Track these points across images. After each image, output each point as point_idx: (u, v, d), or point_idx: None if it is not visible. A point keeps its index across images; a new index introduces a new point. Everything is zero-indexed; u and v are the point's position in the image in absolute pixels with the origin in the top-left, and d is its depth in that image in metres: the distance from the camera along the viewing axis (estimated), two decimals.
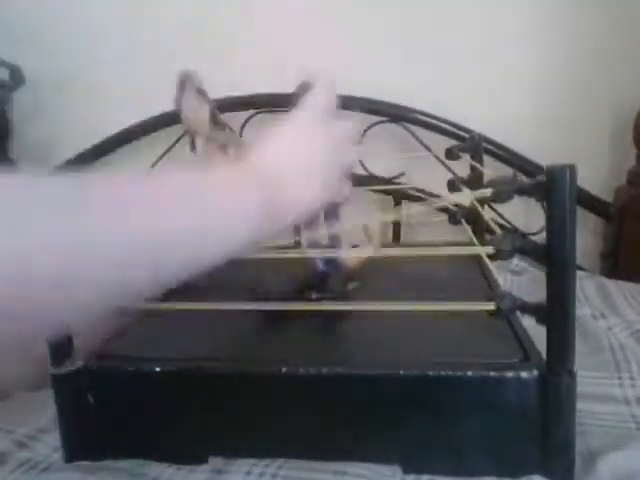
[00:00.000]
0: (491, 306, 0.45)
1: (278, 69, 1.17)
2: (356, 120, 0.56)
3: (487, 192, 0.42)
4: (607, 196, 1.12)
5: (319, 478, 0.47)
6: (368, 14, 1.17)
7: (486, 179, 0.82)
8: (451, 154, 0.81)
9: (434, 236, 1.04)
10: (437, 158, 1.09)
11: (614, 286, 0.94)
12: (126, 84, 1.25)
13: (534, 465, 0.46)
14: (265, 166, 0.46)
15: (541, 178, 0.40)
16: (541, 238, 1.07)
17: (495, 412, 0.46)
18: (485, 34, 1.14)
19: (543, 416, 0.45)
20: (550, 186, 0.39)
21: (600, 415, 0.57)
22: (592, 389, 0.60)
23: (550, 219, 0.40)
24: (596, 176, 1.12)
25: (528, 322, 0.51)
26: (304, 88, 0.56)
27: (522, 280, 0.96)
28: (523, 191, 0.42)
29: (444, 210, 1.10)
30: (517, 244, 0.43)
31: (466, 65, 1.15)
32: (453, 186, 0.82)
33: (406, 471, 0.48)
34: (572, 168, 0.39)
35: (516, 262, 1.01)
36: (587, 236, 1.15)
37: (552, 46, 1.13)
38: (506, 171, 1.10)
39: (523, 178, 0.45)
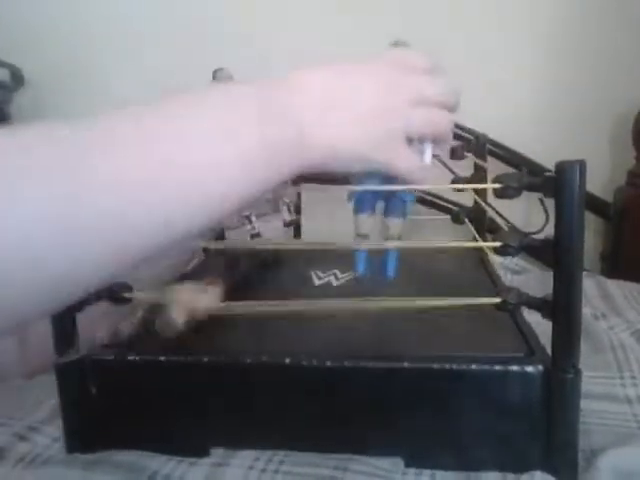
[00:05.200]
0: (497, 300, 0.45)
1: (278, 69, 1.18)
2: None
3: (495, 187, 0.42)
4: (607, 196, 1.12)
5: (321, 472, 0.47)
6: (368, 12, 1.17)
7: (489, 178, 0.83)
8: (456, 154, 0.81)
9: (436, 235, 1.04)
10: (438, 158, 1.09)
11: (614, 286, 0.94)
12: (126, 85, 1.25)
13: (537, 461, 0.46)
14: (297, 90, 0.38)
15: (550, 174, 0.40)
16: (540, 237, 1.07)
17: (499, 407, 0.46)
18: (485, 35, 1.15)
19: (547, 411, 0.45)
20: (560, 182, 0.40)
21: (602, 414, 0.57)
22: (593, 388, 0.60)
23: (559, 214, 0.40)
24: (596, 176, 1.12)
25: (532, 318, 0.52)
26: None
27: (522, 279, 0.97)
28: (532, 187, 0.42)
29: (447, 210, 1.11)
30: (524, 240, 0.43)
31: (465, 65, 1.15)
32: None
33: (408, 465, 0.48)
34: (582, 164, 0.39)
35: (516, 261, 1.01)
36: (587, 236, 1.14)
37: (552, 48, 1.13)
38: (506, 170, 1.10)
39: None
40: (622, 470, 0.47)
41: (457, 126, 1.11)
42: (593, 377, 0.62)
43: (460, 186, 0.69)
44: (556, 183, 0.40)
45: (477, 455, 0.47)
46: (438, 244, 0.45)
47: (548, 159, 1.08)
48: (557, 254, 0.42)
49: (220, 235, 0.70)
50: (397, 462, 0.48)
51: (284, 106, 0.37)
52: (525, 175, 0.42)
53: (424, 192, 1.15)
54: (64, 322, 0.49)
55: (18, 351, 0.65)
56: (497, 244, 0.43)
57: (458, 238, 0.92)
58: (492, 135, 1.05)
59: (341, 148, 0.38)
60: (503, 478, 0.47)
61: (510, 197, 0.42)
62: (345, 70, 0.40)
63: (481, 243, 0.45)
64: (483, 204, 0.78)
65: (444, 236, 1.02)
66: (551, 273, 0.44)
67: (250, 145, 0.34)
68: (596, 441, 0.51)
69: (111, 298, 0.50)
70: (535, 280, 0.94)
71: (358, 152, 0.39)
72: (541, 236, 1.04)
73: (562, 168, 0.40)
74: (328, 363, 0.48)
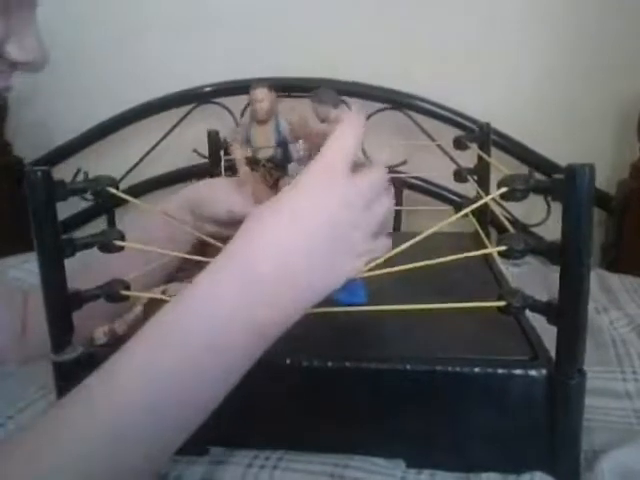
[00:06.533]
0: (501, 303, 0.44)
1: (279, 53, 1.16)
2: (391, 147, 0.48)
3: (502, 192, 0.41)
4: (610, 189, 1.11)
5: (320, 469, 0.47)
6: None
7: (493, 169, 0.82)
8: (459, 144, 0.80)
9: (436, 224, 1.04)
10: (440, 147, 1.08)
11: (616, 280, 0.94)
12: (125, 66, 1.24)
13: (539, 464, 0.46)
14: (263, 260, 0.40)
15: (558, 177, 0.39)
16: (541, 230, 1.07)
17: (502, 410, 0.46)
18: (488, 25, 1.13)
19: (550, 415, 0.45)
20: (569, 186, 0.39)
21: (602, 410, 0.57)
22: (594, 383, 0.60)
23: (566, 219, 0.39)
24: (599, 169, 1.09)
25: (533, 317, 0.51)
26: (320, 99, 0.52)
27: (522, 272, 0.96)
28: (539, 190, 0.41)
29: (449, 200, 1.10)
30: (529, 243, 0.42)
31: (468, 56, 1.14)
32: (460, 176, 0.81)
33: (410, 466, 0.48)
34: (591, 168, 0.39)
35: None
36: None
37: (555, 38, 1.12)
38: (509, 161, 1.09)
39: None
40: (623, 469, 0.47)
41: (461, 115, 1.10)
42: (594, 372, 0.61)
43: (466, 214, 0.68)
44: (565, 187, 0.39)
45: (480, 458, 0.47)
46: (441, 255, 0.45)
47: (552, 150, 1.08)
48: (563, 259, 0.41)
49: None
50: (398, 462, 0.48)
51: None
52: (532, 177, 0.41)
53: (427, 181, 1.14)
54: (61, 320, 0.48)
55: (18, 334, 0.64)
56: (502, 248, 0.42)
57: (460, 229, 0.92)
58: (495, 125, 1.05)
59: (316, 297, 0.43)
60: (504, 479, 0.46)
61: (517, 200, 0.41)
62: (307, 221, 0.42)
63: (486, 250, 0.44)
64: (485, 196, 0.77)
65: (446, 227, 1.01)
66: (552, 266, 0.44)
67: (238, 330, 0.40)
68: (597, 439, 0.51)
69: (108, 296, 0.49)
70: (535, 272, 0.93)
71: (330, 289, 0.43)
72: (542, 229, 1.04)
73: (571, 172, 0.39)
74: (330, 364, 0.47)
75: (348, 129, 0.44)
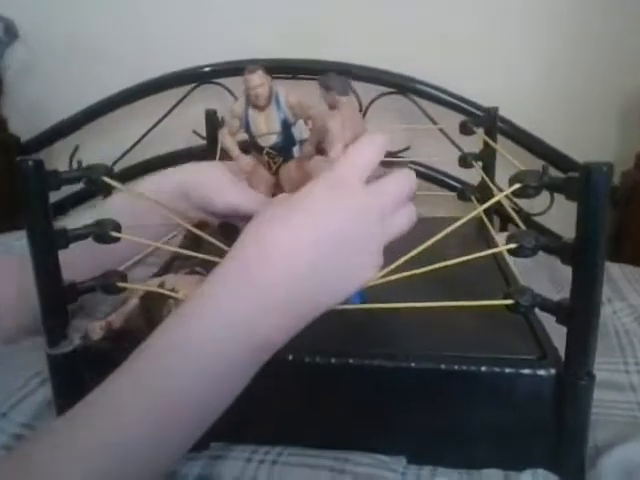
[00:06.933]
0: (510, 302, 0.43)
1: (281, 35, 1.14)
2: (409, 172, 0.45)
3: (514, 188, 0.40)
4: (614, 179, 1.10)
5: (320, 464, 0.46)
6: None
7: (498, 156, 0.81)
8: (465, 128, 0.78)
9: (439, 212, 1.03)
10: (443, 132, 1.07)
11: (618, 270, 0.93)
12: (124, 45, 1.21)
13: (544, 464, 0.45)
14: (271, 268, 0.40)
15: (573, 175, 0.38)
16: (544, 218, 1.05)
17: (508, 409, 0.45)
18: (493, 13, 1.10)
19: (557, 415, 0.44)
20: (586, 186, 0.37)
21: (606, 403, 0.56)
22: (597, 375, 0.59)
23: (581, 219, 0.38)
24: (603, 159, 1.09)
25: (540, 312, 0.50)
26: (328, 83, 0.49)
27: (527, 262, 0.95)
28: (552, 187, 0.40)
29: (453, 187, 1.08)
30: (540, 240, 0.41)
31: (472, 43, 1.12)
32: (465, 162, 0.80)
33: (411, 462, 0.47)
34: (609, 167, 0.37)
35: None
36: None
37: (559, 28, 1.09)
38: (514, 149, 1.08)
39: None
40: (627, 465, 0.46)
41: (466, 101, 1.09)
42: (597, 363, 0.61)
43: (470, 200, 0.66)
44: (581, 187, 0.37)
45: (484, 457, 0.46)
46: (450, 254, 0.44)
47: (556, 140, 1.07)
48: (577, 260, 0.39)
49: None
50: (399, 458, 0.47)
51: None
52: (546, 174, 0.39)
53: (429, 167, 1.13)
54: (56, 313, 0.47)
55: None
56: (512, 246, 0.41)
57: (462, 213, 0.91)
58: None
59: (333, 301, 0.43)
60: (505, 476, 0.45)
61: (530, 197, 0.39)
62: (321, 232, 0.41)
63: (496, 249, 0.43)
64: (490, 183, 0.77)
65: (449, 213, 1.00)
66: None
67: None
68: (600, 434, 0.50)
69: (104, 288, 0.48)
70: (539, 263, 0.92)
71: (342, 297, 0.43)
72: (545, 218, 1.02)
73: (587, 171, 0.37)
74: (333, 360, 0.46)
75: (368, 145, 0.43)
